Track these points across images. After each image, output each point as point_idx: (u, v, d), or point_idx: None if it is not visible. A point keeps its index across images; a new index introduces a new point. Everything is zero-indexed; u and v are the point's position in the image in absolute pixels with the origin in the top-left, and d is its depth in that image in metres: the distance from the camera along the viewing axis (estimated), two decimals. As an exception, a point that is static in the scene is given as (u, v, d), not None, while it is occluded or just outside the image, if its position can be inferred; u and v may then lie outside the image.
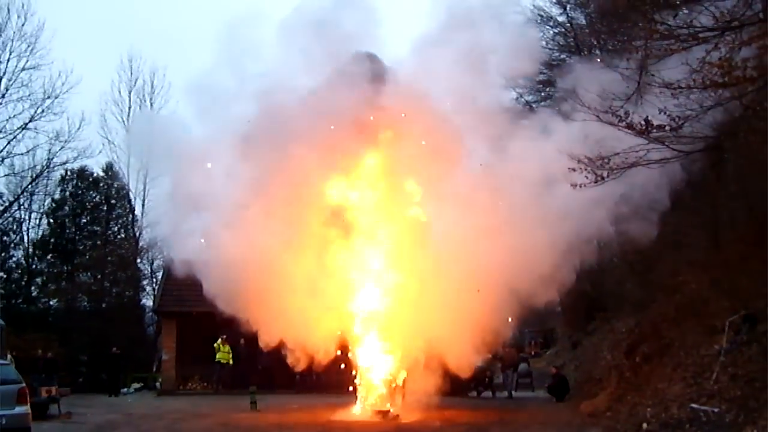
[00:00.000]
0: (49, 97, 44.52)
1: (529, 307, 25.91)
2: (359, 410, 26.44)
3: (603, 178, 17.75)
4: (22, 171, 47.33)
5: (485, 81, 27.04)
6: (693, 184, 22.30)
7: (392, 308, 26.93)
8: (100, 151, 50.00)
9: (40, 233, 49.55)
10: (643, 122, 16.55)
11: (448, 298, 24.53)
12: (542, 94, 37.31)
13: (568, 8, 36.89)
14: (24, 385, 19.57)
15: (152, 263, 52.06)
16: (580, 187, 18.13)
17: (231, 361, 36.34)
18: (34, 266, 48.85)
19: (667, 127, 16.38)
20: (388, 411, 25.56)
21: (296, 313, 25.96)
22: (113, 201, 51.03)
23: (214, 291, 26.88)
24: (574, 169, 17.94)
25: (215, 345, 36.63)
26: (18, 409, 18.58)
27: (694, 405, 12.47)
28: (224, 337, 35.99)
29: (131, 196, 52.44)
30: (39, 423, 22.33)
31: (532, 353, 49.75)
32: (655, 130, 16.50)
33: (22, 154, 45.91)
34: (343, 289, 27.16)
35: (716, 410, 10.60)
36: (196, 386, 37.82)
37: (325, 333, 26.66)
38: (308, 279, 26.27)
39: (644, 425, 17.53)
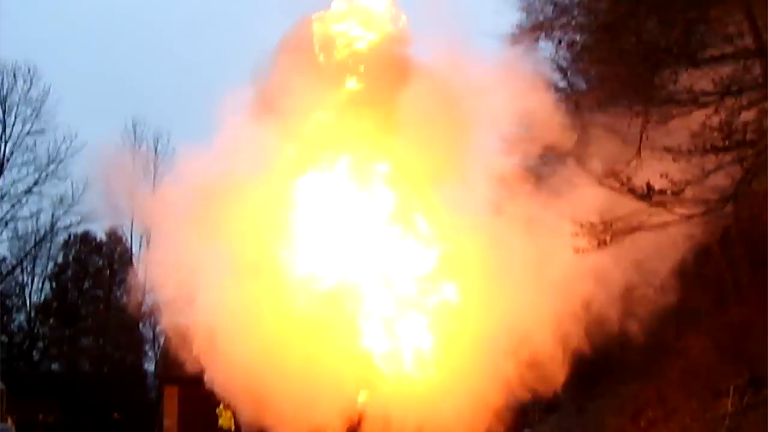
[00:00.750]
0: (53, 162, 44.98)
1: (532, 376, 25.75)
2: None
3: (605, 243, 17.77)
4: (26, 235, 47.62)
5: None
6: (696, 248, 22.31)
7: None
8: (104, 217, 50.19)
9: (43, 297, 49.66)
10: (644, 186, 16.61)
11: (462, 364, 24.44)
12: (543, 158, 37.48)
13: (569, 74, 37.18)
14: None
15: (155, 328, 51.97)
16: (582, 252, 18.15)
17: (233, 427, 36.02)
18: (36, 330, 48.80)
19: (669, 192, 16.43)
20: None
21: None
22: (116, 265, 51.10)
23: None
24: (576, 234, 17.96)
25: (217, 411, 36.36)
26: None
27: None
28: (226, 402, 35.74)
29: (134, 260, 52.49)
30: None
31: (536, 418, 49.24)
32: (656, 195, 16.56)
33: (25, 218, 46.22)
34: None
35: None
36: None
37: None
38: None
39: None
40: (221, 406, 35.77)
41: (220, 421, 36.16)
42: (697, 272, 23.97)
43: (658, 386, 24.21)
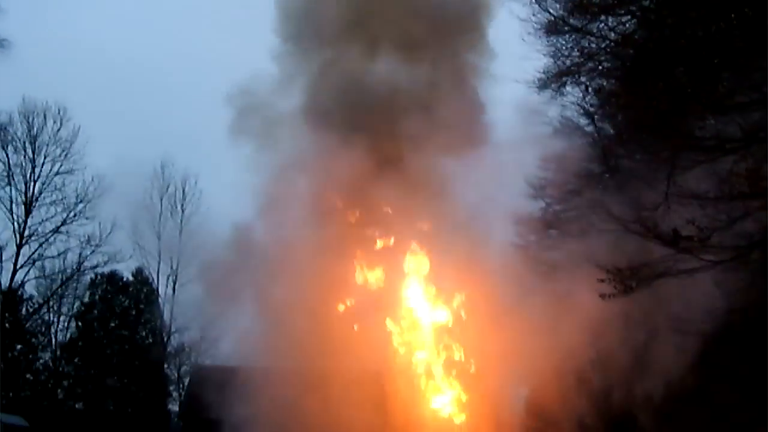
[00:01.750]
0: (81, 202, 45.32)
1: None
2: None
3: (632, 289, 17.67)
4: (53, 274, 47.84)
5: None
6: (723, 295, 22.12)
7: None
8: (131, 256, 50.30)
9: (68, 336, 49.68)
10: (671, 232, 16.55)
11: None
12: (570, 203, 37.38)
13: (595, 119, 37.14)
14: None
15: (179, 369, 51.96)
16: (609, 297, 18.06)
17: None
18: (61, 369, 48.81)
19: (696, 238, 16.37)
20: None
21: None
22: (142, 306, 51.17)
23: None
24: (602, 280, 17.88)
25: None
26: None
27: None
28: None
29: (160, 301, 52.59)
30: None
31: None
32: (683, 241, 16.49)
33: (53, 257, 46.51)
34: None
35: None
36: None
37: None
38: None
39: None
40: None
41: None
42: (725, 320, 23.74)
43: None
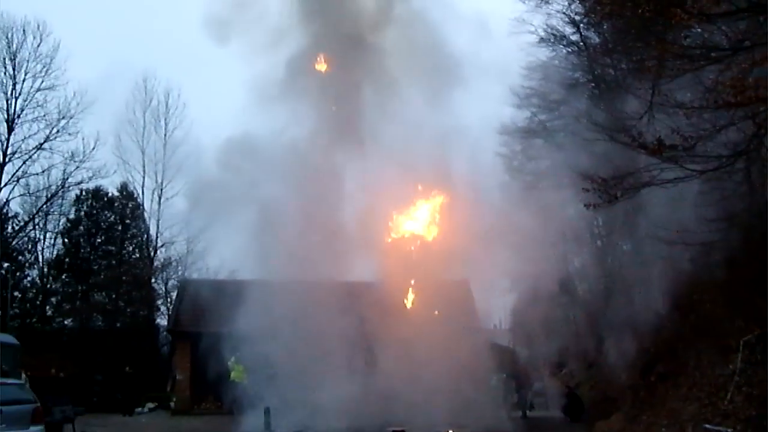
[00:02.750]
0: (63, 118, 44.84)
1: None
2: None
3: (616, 198, 17.70)
4: (37, 191, 47.50)
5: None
6: (707, 204, 22.20)
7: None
8: (115, 171, 49.90)
9: (55, 253, 49.69)
10: (655, 142, 16.52)
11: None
12: (556, 113, 37.26)
13: (581, 28, 36.82)
14: (38, 405, 19.60)
15: (167, 283, 52.15)
16: (594, 207, 18.11)
17: (245, 381, 36.14)
18: (48, 286, 48.94)
19: (680, 147, 16.34)
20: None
21: None
22: (128, 221, 51.13)
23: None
24: (587, 189, 17.89)
25: (229, 364, 36.58)
26: (33, 429, 18.59)
27: (708, 425, 12.39)
28: (238, 355, 35.94)
29: (146, 216, 52.51)
30: (54, 443, 22.38)
31: (548, 372, 49.39)
32: (667, 150, 16.46)
33: (37, 174, 46.17)
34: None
35: (730, 431, 10.50)
36: (211, 406, 37.67)
37: None
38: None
39: (659, 445, 17.46)
40: (233, 359, 36.00)
41: (233, 375, 36.37)
42: (709, 229, 23.89)
43: (669, 342, 24.23)
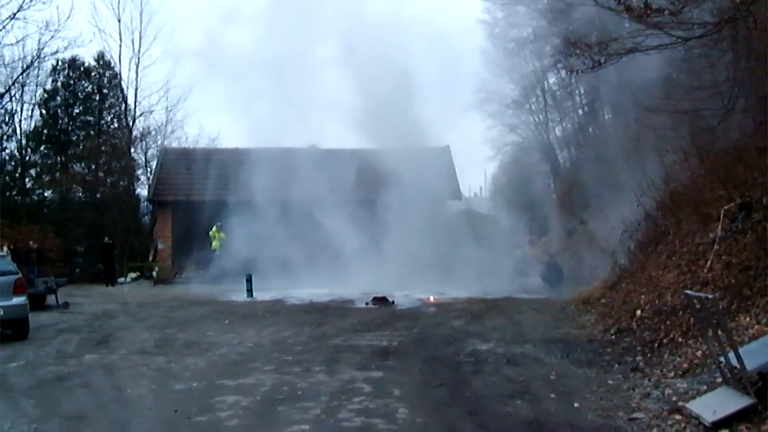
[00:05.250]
0: (38, -15, 43.78)
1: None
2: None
3: (600, 64, 17.45)
4: (13, 62, 46.64)
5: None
6: (690, 72, 22.01)
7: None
8: (91, 41, 49.19)
9: (33, 124, 49.10)
10: (642, 5, 16.18)
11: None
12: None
13: None
14: (20, 276, 19.64)
15: (146, 152, 51.72)
16: (578, 73, 17.89)
17: (226, 249, 36.29)
18: (27, 158, 48.53)
19: (667, 12, 16.01)
20: (385, 298, 25.82)
21: None
22: (105, 90, 50.42)
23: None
24: (571, 55, 17.65)
25: (210, 233, 36.78)
26: (15, 300, 18.65)
27: (688, 292, 12.47)
28: (219, 224, 36.11)
29: (124, 85, 51.76)
30: (37, 313, 22.50)
31: (527, 240, 49.87)
32: (654, 15, 16.13)
33: (11, 44, 45.31)
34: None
35: (710, 297, 10.60)
36: (192, 275, 37.91)
37: None
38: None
39: (638, 312, 17.64)
40: (214, 228, 36.16)
41: (214, 244, 36.60)
42: (691, 96, 23.74)
43: (647, 210, 24.32)
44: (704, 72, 20.90)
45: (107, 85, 50.57)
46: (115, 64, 51.15)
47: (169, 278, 38.20)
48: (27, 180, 48.45)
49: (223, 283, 31.78)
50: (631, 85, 22.23)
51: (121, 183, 49.54)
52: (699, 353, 12.52)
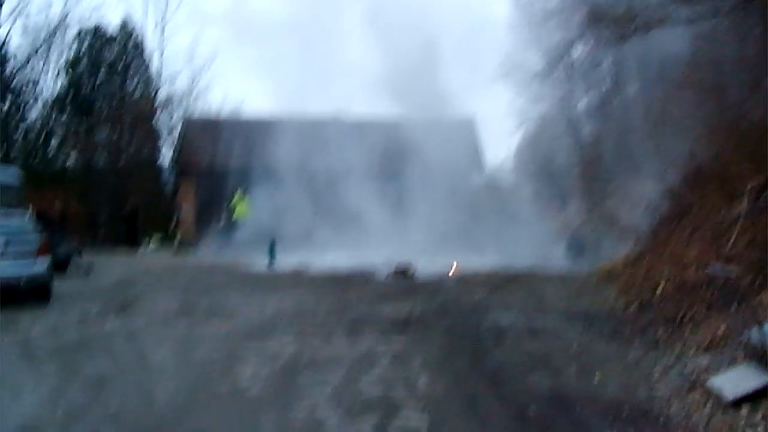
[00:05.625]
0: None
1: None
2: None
3: (627, 37, 17.32)
4: (37, 28, 46.71)
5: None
6: (718, 46, 21.75)
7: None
8: (116, 7, 49.17)
9: (57, 91, 49.21)
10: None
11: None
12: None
13: None
14: (44, 238, 19.67)
15: (170, 119, 51.82)
16: (604, 45, 17.77)
17: (248, 217, 36.22)
18: (51, 124, 48.68)
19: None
20: (405, 271, 25.78)
21: None
22: (130, 57, 50.45)
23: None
24: (598, 27, 17.51)
25: (232, 200, 36.80)
26: (39, 260, 18.70)
27: (713, 264, 12.39)
28: (242, 190, 36.05)
29: (148, 51, 51.78)
30: (60, 277, 22.61)
31: (550, 213, 49.52)
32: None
33: (36, 11, 45.41)
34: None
35: (733, 273, 10.52)
36: (215, 242, 37.96)
37: None
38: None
39: (660, 286, 17.55)
40: (238, 192, 36.08)
41: (238, 209, 36.51)
42: (718, 71, 23.48)
43: (671, 185, 24.13)
44: (732, 47, 20.64)
45: (131, 51, 50.61)
46: (140, 31, 51.20)
47: (191, 245, 38.33)
48: (49, 148, 48.63)
49: (245, 250, 31.84)
50: (657, 59, 21.97)
51: (145, 150, 49.71)
52: (721, 329, 12.45)
